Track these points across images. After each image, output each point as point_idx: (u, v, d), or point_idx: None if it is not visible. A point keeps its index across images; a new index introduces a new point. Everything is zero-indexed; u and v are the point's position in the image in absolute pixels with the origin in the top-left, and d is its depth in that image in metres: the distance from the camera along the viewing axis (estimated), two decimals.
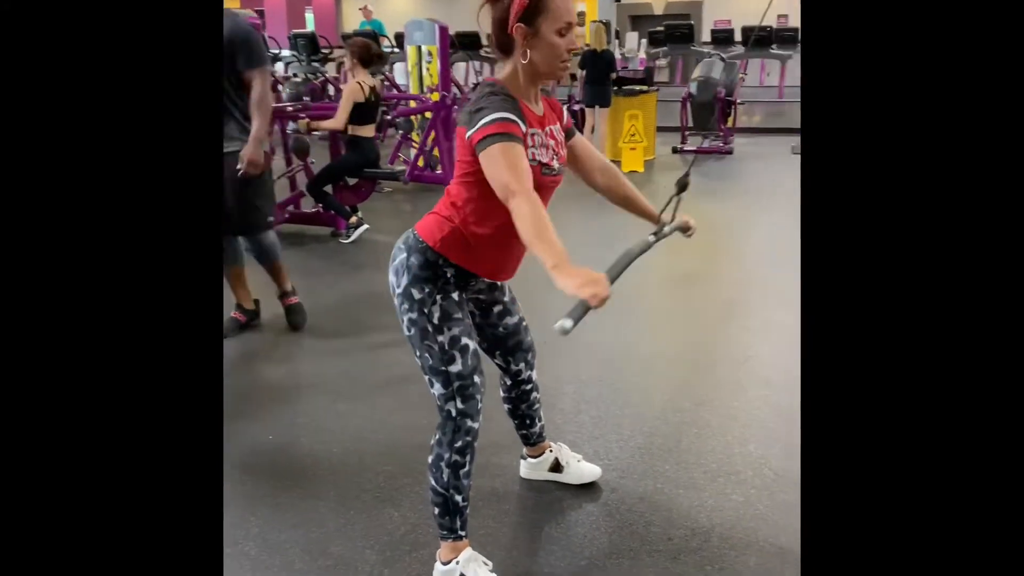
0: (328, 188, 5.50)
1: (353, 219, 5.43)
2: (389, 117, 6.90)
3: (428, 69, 7.54)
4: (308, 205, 5.79)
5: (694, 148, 9.09)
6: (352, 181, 5.68)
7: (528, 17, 1.74)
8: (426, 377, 1.95)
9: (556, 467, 2.43)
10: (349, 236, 5.41)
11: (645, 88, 8.67)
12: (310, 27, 17.37)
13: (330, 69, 12.78)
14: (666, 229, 2.06)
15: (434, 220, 1.92)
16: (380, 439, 2.74)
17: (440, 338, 1.90)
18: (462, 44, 12.96)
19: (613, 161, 8.57)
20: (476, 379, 1.94)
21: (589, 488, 2.41)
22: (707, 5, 17.39)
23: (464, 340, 1.92)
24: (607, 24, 9.10)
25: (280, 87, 9.84)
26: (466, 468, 1.95)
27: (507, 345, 2.21)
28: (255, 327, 3.85)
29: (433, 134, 7.25)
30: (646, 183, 7.35)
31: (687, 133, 9.39)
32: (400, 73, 10.74)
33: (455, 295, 1.93)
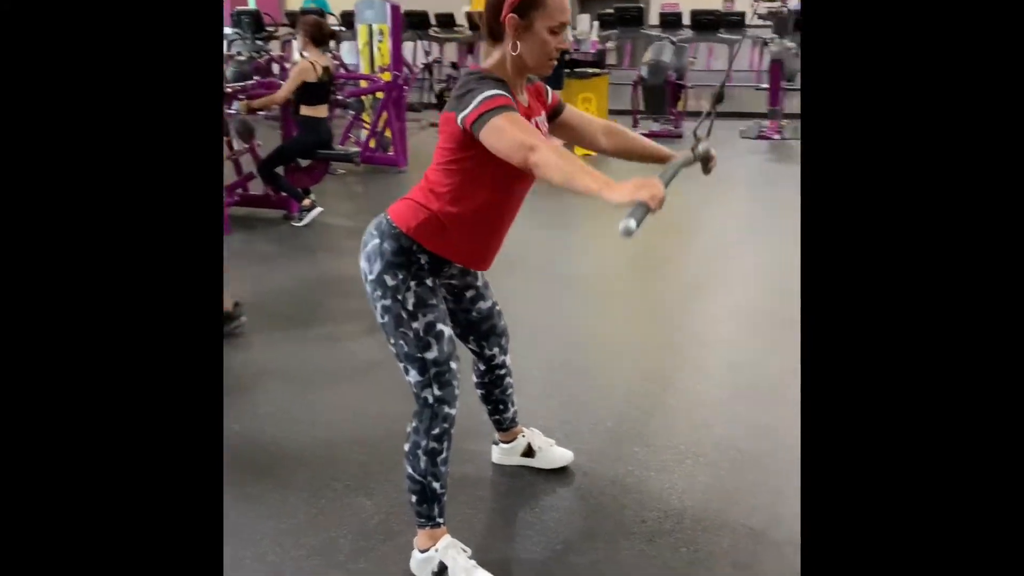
0: (280, 170, 5.38)
1: (306, 202, 5.33)
2: (339, 97, 6.78)
3: (379, 48, 7.42)
4: (258, 188, 5.66)
5: (646, 131, 9.13)
6: (305, 163, 5.57)
7: (523, 9, 1.72)
8: (401, 364, 1.92)
9: (529, 452, 2.43)
10: (302, 219, 5.31)
11: (597, 71, 8.67)
12: (253, 4, 16.93)
13: (275, 47, 12.49)
14: (701, 147, 2.03)
15: (408, 206, 1.89)
16: (349, 427, 2.70)
17: (415, 325, 1.87)
18: (411, 23, 12.79)
19: (566, 145, 8.62)
20: (452, 365, 1.92)
21: (561, 472, 2.42)
22: None
23: (440, 326, 1.90)
24: None
25: (224, 66, 9.59)
26: (443, 455, 1.94)
27: (481, 330, 2.19)
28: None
29: (385, 114, 7.16)
30: (601, 166, 7.34)
31: (639, 116, 9.43)
32: (347, 52, 10.56)
33: (429, 281, 1.90)
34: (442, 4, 12.41)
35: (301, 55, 5.39)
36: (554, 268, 4.38)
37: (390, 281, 1.87)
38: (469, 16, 11.25)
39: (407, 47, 13.63)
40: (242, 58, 10.09)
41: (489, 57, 1.84)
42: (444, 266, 1.93)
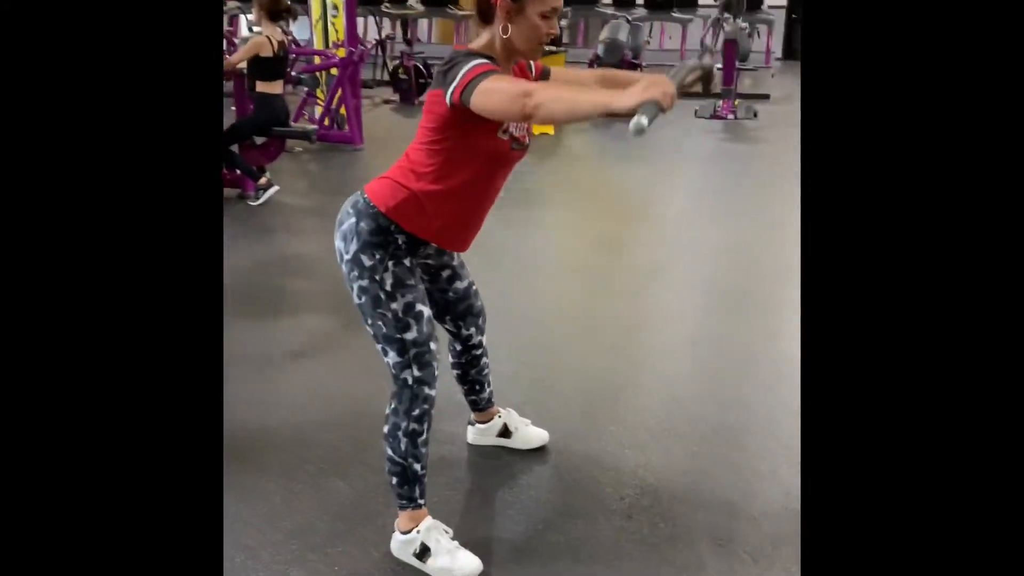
0: (235, 148, 5.25)
1: (262, 180, 5.21)
2: (293, 74, 6.64)
3: (333, 24, 7.28)
4: None
5: None
6: (260, 140, 5.45)
7: None
8: (379, 346, 1.89)
9: (505, 432, 2.42)
10: (259, 198, 5.20)
11: (554, 49, 8.62)
12: None
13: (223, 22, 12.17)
14: (706, 59, 1.99)
15: (387, 185, 1.85)
16: (317, 409, 2.66)
17: (393, 305, 1.84)
18: None
19: None
20: (432, 346, 1.90)
21: (537, 452, 2.41)
22: None
23: (419, 307, 1.87)
24: None
25: None
26: (423, 436, 1.92)
27: (457, 310, 2.17)
28: None
29: (340, 91, 7.03)
30: (557, 145, 7.35)
31: None
32: (298, 28, 10.35)
33: (407, 261, 1.87)
34: None
35: (250, 29, 5.26)
36: (515, 248, 4.36)
37: (367, 261, 1.83)
38: None
39: (359, 23, 13.43)
40: None
41: (478, 38, 1.81)
42: (421, 246, 1.91)
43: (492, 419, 2.42)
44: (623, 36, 8.99)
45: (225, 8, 11.63)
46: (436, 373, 1.92)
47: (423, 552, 1.91)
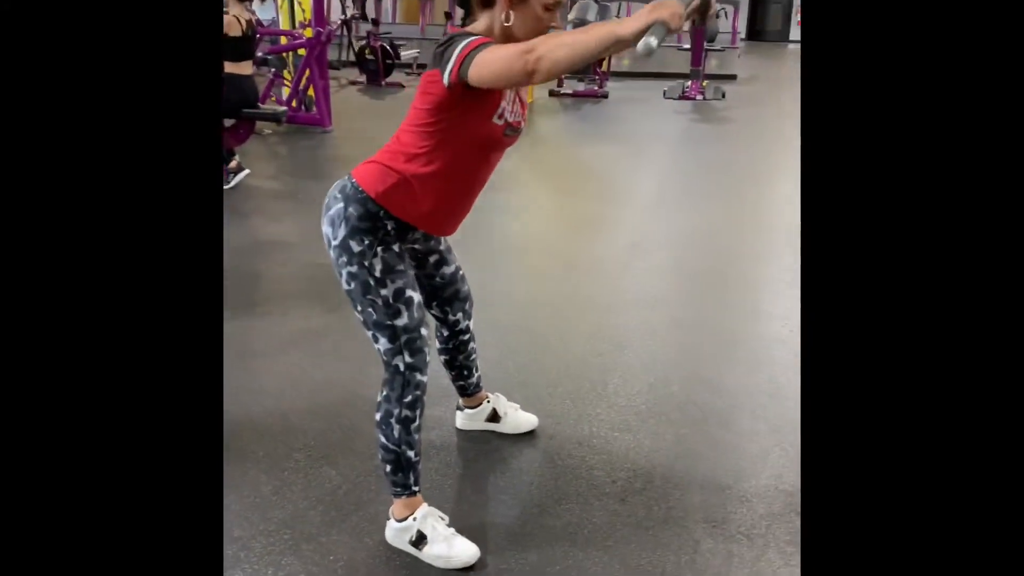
0: None
1: (233, 163, 5.12)
2: (259, 54, 6.52)
3: (300, 3, 7.14)
4: None
5: (571, 92, 9.13)
6: (229, 122, 5.34)
7: None
8: (369, 332, 1.86)
9: (494, 417, 2.40)
10: (229, 182, 5.10)
11: None
12: None
13: None
14: None
15: (376, 169, 1.81)
16: (302, 396, 2.62)
17: (384, 291, 1.81)
18: None
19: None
20: (423, 331, 1.87)
21: (527, 436, 2.40)
22: None
23: (409, 292, 1.85)
24: None
25: None
26: (416, 423, 1.90)
27: (444, 295, 2.14)
28: None
29: (308, 72, 6.92)
30: (527, 126, 7.32)
31: (563, 76, 9.40)
32: (261, 8, 10.14)
33: (396, 247, 1.84)
34: None
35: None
36: (490, 231, 4.33)
37: (356, 247, 1.80)
38: None
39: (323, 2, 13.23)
40: None
41: (475, 22, 1.77)
42: (409, 232, 1.88)
43: (481, 404, 2.40)
44: (592, 17, 8.95)
45: None
46: (428, 359, 1.90)
47: (419, 539, 1.89)
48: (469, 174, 1.85)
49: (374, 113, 8.60)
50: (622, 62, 11.85)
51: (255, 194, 5.07)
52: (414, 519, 1.90)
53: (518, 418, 2.42)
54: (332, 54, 9.60)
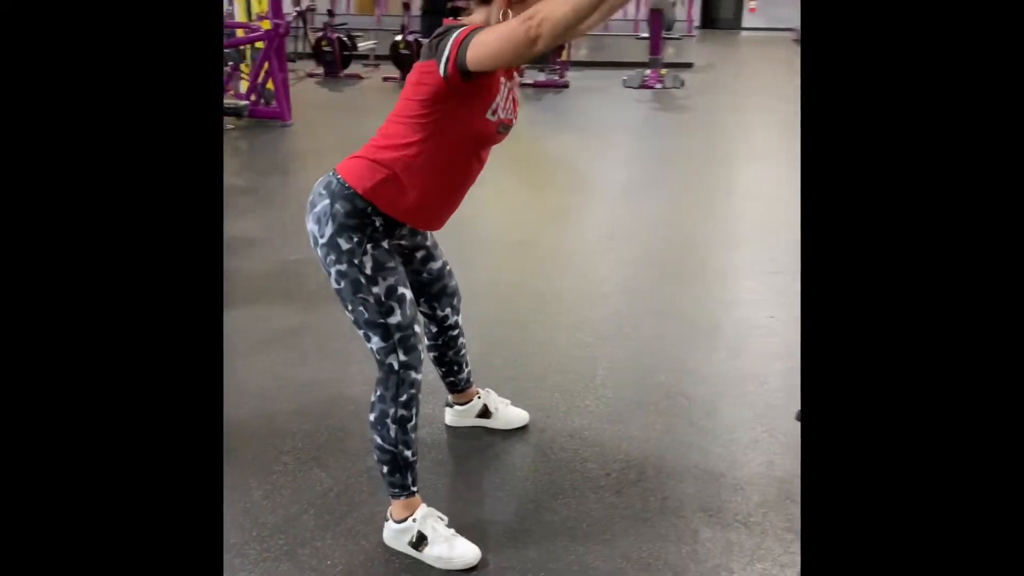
0: None
1: None
2: None
3: None
4: None
5: (531, 82, 9.11)
6: None
7: None
8: (361, 331, 1.83)
9: (485, 413, 2.38)
10: None
11: None
12: None
13: None
14: None
15: (363, 164, 1.78)
16: (287, 397, 2.57)
17: (375, 289, 1.78)
18: None
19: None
20: (416, 328, 1.84)
21: (518, 431, 2.39)
22: None
23: (401, 289, 1.82)
24: None
25: None
26: (413, 422, 1.87)
27: (432, 291, 2.12)
28: None
29: (267, 65, 6.79)
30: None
31: (523, 66, 9.37)
32: None
33: (385, 243, 1.81)
34: None
35: None
36: (460, 223, 4.29)
37: (344, 244, 1.76)
38: None
39: None
40: None
41: (470, 16, 1.75)
42: (397, 228, 1.85)
43: (471, 400, 2.38)
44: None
45: None
46: (422, 357, 1.87)
47: (419, 541, 1.86)
48: (458, 169, 1.82)
49: (334, 106, 8.48)
50: (579, 51, 11.85)
51: None
52: (414, 520, 1.87)
53: (509, 413, 2.40)
54: (288, 46, 9.44)
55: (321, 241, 1.79)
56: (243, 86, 7.11)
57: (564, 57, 9.39)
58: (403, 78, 9.55)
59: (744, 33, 17.22)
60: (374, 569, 1.86)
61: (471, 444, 2.34)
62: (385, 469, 1.88)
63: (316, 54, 9.99)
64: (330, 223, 1.76)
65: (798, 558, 1.89)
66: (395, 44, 9.65)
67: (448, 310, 2.18)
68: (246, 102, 6.01)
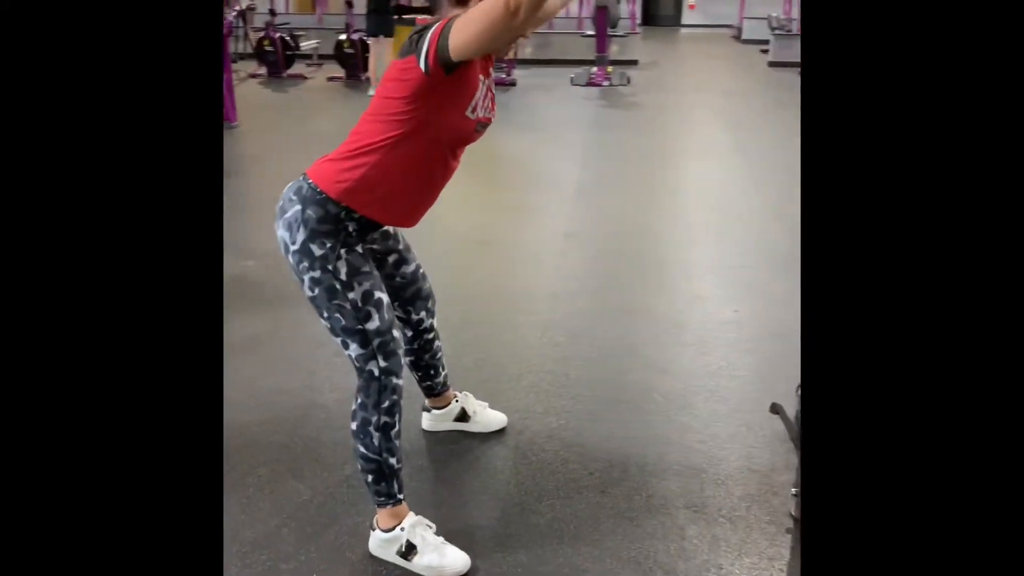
0: None
1: None
2: None
3: None
4: None
5: None
6: None
7: None
8: (338, 339, 1.78)
9: (463, 416, 2.35)
10: None
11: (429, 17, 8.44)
12: None
13: None
14: None
15: (335, 167, 1.73)
16: (257, 408, 2.49)
17: (351, 295, 1.74)
18: None
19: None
20: (395, 333, 1.81)
21: (496, 434, 2.36)
22: None
23: (377, 294, 1.78)
24: None
25: None
26: (396, 428, 1.83)
27: (406, 295, 2.08)
28: None
29: None
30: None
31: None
32: None
33: (359, 247, 1.77)
34: None
35: None
36: (429, 226, 4.23)
37: (317, 250, 1.71)
38: None
39: None
40: None
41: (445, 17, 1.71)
42: (371, 231, 1.81)
43: (449, 404, 2.34)
44: None
45: None
46: (403, 362, 1.83)
47: (409, 550, 1.82)
48: (435, 168, 1.79)
49: (278, 106, 8.33)
50: (526, 50, 11.84)
51: None
52: (402, 529, 1.83)
53: (487, 416, 2.37)
54: (230, 47, 9.25)
55: (293, 248, 1.74)
56: None
57: (512, 55, 9.38)
58: (348, 77, 9.46)
59: (684, 30, 17.46)
60: None
61: (450, 449, 2.30)
62: (370, 478, 1.83)
63: (258, 54, 9.81)
64: (302, 229, 1.71)
65: (785, 550, 1.90)
66: (339, 43, 9.52)
67: (423, 313, 2.15)
68: None
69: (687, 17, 17.86)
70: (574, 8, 13.81)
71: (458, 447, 2.31)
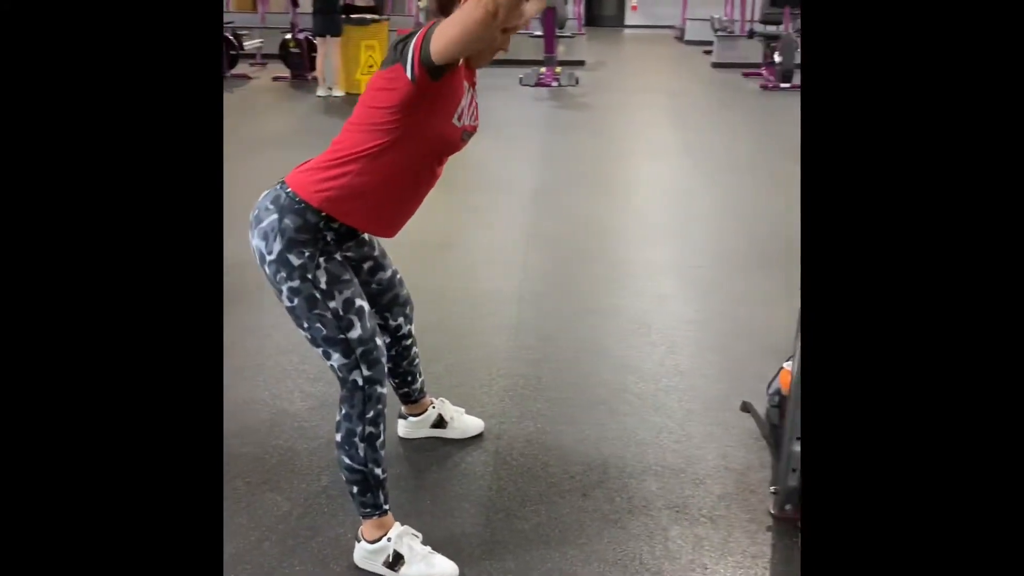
0: None
1: None
2: None
3: None
4: None
5: None
6: None
7: None
8: (319, 349, 1.75)
9: (440, 423, 2.33)
10: None
11: (376, 17, 8.37)
12: None
13: None
14: None
15: (315, 176, 1.70)
16: (226, 419, 2.42)
17: (332, 304, 1.71)
18: None
19: (352, 94, 8.27)
20: (378, 341, 1.78)
21: (474, 439, 2.35)
22: None
23: (358, 302, 1.75)
24: None
25: None
26: (381, 438, 1.81)
27: (383, 301, 2.06)
28: None
29: None
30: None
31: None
32: None
33: (338, 256, 1.75)
34: None
35: None
36: None
37: (295, 260, 1.68)
38: None
39: None
40: None
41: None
42: (349, 240, 1.79)
43: (426, 410, 2.32)
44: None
45: None
46: (386, 370, 1.81)
47: (395, 560, 1.80)
48: (419, 176, 1.78)
49: (225, 107, 8.14)
50: None
51: None
52: (388, 539, 1.81)
53: (465, 422, 2.36)
54: None
55: (269, 258, 1.70)
56: None
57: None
58: (294, 77, 9.31)
59: (627, 31, 17.63)
60: None
61: (429, 456, 2.29)
62: (355, 489, 1.81)
63: None
64: (279, 239, 1.68)
65: (767, 548, 1.94)
66: (284, 43, 9.37)
67: (401, 319, 2.13)
68: None
69: (630, 18, 18.05)
70: None
71: (436, 454, 2.29)
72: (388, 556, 1.81)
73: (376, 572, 1.83)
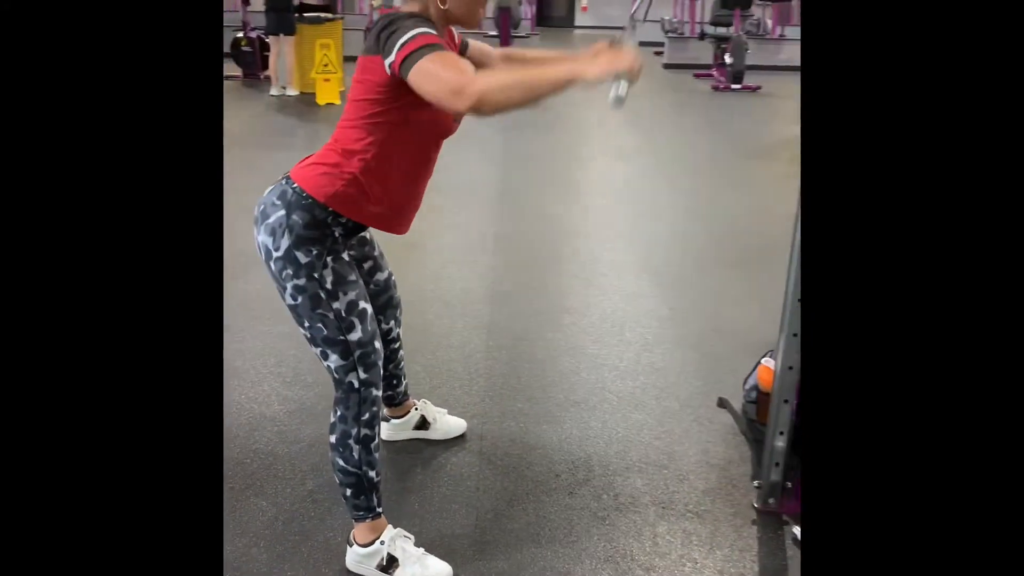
0: None
1: None
2: None
3: None
4: None
5: None
6: None
7: None
8: (317, 349, 1.73)
9: (423, 424, 2.32)
10: None
11: (331, 16, 8.28)
12: None
13: None
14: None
15: (321, 171, 1.67)
16: None
17: (336, 304, 1.69)
18: None
19: (306, 94, 8.17)
20: (376, 344, 1.77)
21: (457, 440, 2.35)
22: None
23: (362, 304, 1.74)
24: None
25: None
26: (376, 441, 1.80)
27: (378, 303, 2.05)
28: None
29: None
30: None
31: None
32: None
33: (345, 255, 1.73)
34: None
35: None
36: None
37: (303, 258, 1.65)
38: None
39: None
40: None
41: (408, 4, 1.67)
42: (355, 236, 1.77)
43: (409, 412, 2.31)
44: (398, 1, 8.81)
45: None
46: (381, 373, 1.80)
47: (389, 563, 1.79)
48: (419, 163, 1.76)
49: None
50: None
51: None
52: (381, 542, 1.80)
53: (447, 423, 2.36)
54: None
55: (276, 254, 1.66)
56: None
57: None
58: (246, 76, 9.15)
59: (578, 31, 17.74)
60: None
61: (413, 458, 2.28)
62: (349, 492, 1.79)
63: None
64: (286, 235, 1.65)
65: (752, 542, 1.98)
66: (236, 41, 9.21)
67: (392, 322, 2.12)
68: None
69: (580, 19, 18.16)
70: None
71: (421, 456, 2.29)
72: (382, 559, 1.80)
73: (368, 575, 1.82)
